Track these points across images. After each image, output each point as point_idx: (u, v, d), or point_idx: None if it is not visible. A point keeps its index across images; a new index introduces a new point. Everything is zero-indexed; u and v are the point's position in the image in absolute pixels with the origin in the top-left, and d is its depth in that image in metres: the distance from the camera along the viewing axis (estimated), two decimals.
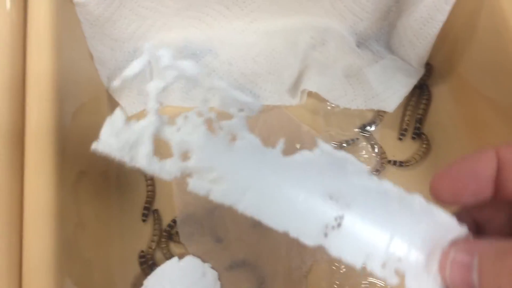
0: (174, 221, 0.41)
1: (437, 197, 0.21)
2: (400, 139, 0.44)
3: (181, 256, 0.40)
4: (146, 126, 0.21)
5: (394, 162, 0.43)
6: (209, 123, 0.22)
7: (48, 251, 0.30)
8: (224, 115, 0.22)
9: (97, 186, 0.41)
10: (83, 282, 0.34)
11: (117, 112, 0.21)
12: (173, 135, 0.21)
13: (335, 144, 0.43)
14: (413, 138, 0.44)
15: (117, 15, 0.41)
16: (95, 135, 0.44)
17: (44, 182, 0.32)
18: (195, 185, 0.21)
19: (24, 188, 0.31)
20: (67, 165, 0.34)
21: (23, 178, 0.32)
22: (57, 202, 0.32)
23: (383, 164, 0.43)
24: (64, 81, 0.35)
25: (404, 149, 0.44)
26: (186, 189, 0.43)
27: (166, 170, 0.21)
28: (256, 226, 0.40)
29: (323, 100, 0.44)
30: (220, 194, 0.21)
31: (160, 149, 0.21)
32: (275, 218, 0.21)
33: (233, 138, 0.22)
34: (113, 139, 0.21)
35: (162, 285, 0.36)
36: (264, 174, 0.21)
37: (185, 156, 0.21)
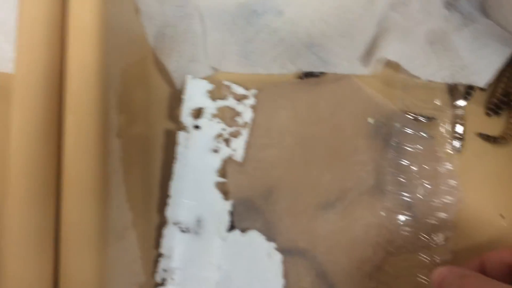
0: None
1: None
2: (488, 114, 0.38)
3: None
4: None
5: (487, 137, 0.38)
6: None
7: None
8: None
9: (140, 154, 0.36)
10: None
11: None
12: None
13: (412, 116, 0.37)
14: (488, 113, 0.38)
15: None
16: (139, 102, 0.39)
17: (86, 147, 0.29)
18: None
19: (62, 156, 0.28)
20: (111, 129, 0.31)
21: (62, 143, 0.29)
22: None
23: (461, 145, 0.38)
24: (108, 40, 0.30)
25: (492, 127, 0.38)
26: (240, 171, 0.37)
27: None
28: (322, 209, 0.36)
29: (400, 70, 0.38)
30: None
31: None
32: None
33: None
34: None
35: None
36: None
37: None
